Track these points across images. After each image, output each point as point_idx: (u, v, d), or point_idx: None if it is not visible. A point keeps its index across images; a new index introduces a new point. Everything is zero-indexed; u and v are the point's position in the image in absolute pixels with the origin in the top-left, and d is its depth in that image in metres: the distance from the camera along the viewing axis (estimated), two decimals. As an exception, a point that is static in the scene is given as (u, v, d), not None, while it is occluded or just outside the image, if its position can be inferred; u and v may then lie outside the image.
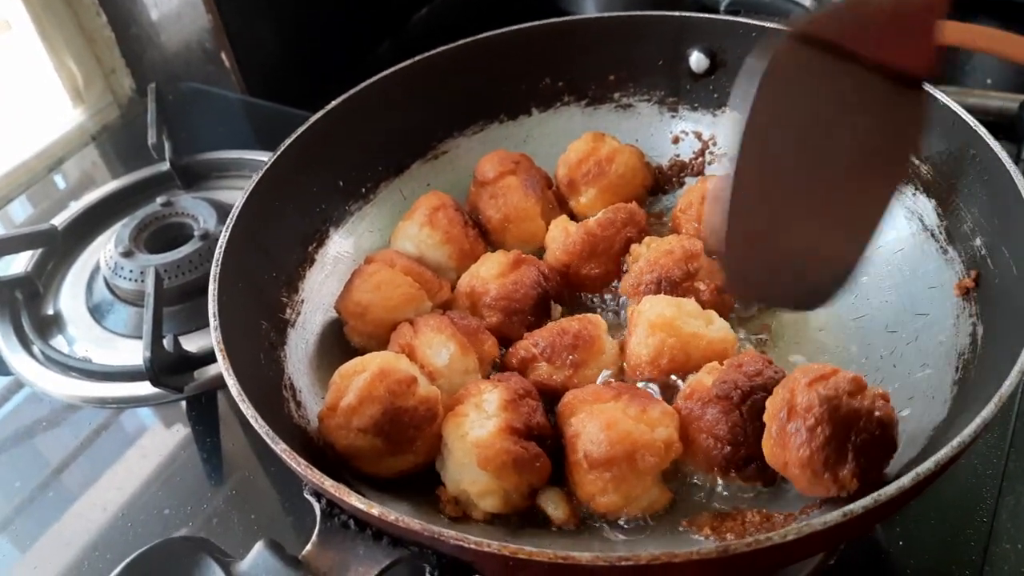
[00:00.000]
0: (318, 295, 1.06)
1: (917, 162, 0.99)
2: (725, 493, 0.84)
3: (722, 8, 1.48)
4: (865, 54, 0.66)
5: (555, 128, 1.25)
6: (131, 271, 1.23)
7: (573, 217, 1.15)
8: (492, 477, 0.81)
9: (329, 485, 0.69)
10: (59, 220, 1.40)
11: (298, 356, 0.98)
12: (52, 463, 1.08)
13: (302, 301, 1.04)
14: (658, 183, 1.21)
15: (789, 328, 1.00)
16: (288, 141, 1.05)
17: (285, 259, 1.04)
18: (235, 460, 1.06)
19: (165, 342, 1.09)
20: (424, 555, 0.68)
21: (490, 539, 0.63)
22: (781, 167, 0.65)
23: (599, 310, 1.07)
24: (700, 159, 1.21)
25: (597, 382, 0.93)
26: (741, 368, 0.84)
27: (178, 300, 1.21)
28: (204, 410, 1.12)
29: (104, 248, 1.30)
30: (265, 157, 1.06)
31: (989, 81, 1.53)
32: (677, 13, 1.17)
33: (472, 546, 0.63)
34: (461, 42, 1.18)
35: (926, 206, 0.98)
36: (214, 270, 0.89)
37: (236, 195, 0.99)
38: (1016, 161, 0.87)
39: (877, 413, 0.74)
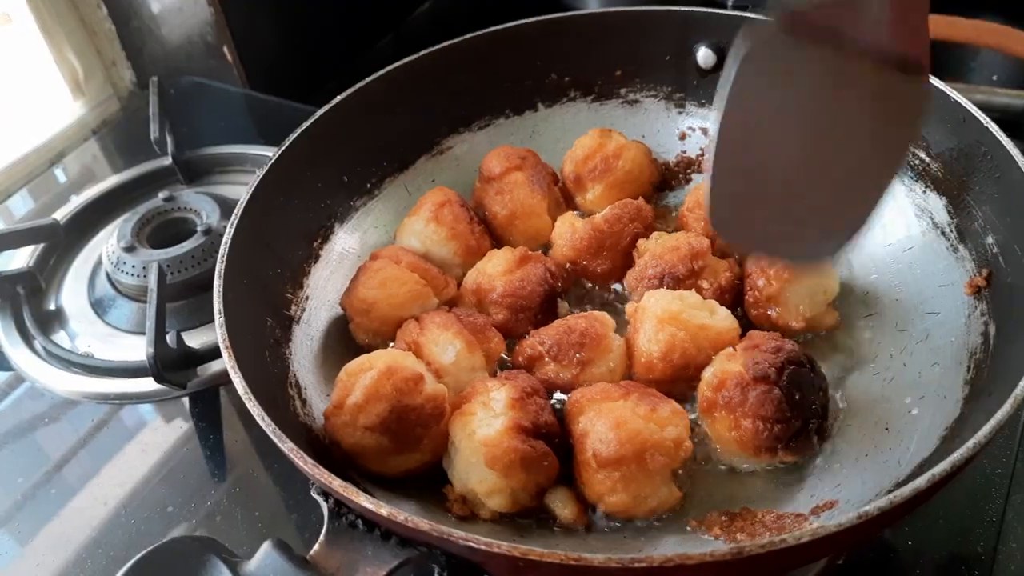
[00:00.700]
0: (323, 292, 1.05)
1: (927, 159, 0.99)
2: (735, 492, 0.84)
3: (730, 3, 1.47)
4: (855, 36, 0.67)
5: (561, 124, 1.24)
6: (133, 266, 1.23)
7: (579, 213, 1.14)
8: (500, 476, 0.80)
9: (337, 485, 0.68)
10: (60, 214, 1.39)
11: (303, 353, 0.97)
12: (53, 459, 1.08)
13: (307, 298, 1.03)
14: (665, 179, 1.20)
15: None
16: (292, 136, 1.04)
17: (290, 255, 1.03)
18: (237, 457, 1.05)
19: (168, 338, 1.08)
20: (433, 555, 0.68)
21: (498, 539, 0.63)
22: (770, 132, 0.69)
23: (601, 303, 1.06)
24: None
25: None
26: (761, 348, 0.85)
27: (181, 295, 1.21)
28: (206, 406, 1.11)
29: (106, 243, 1.29)
30: (267, 152, 1.05)
31: (995, 78, 1.52)
32: (684, 8, 1.16)
33: (482, 547, 0.63)
34: (466, 37, 1.17)
35: (936, 204, 0.98)
36: (219, 267, 0.88)
37: (238, 190, 0.98)
38: (1027, 158, 0.86)
39: None
